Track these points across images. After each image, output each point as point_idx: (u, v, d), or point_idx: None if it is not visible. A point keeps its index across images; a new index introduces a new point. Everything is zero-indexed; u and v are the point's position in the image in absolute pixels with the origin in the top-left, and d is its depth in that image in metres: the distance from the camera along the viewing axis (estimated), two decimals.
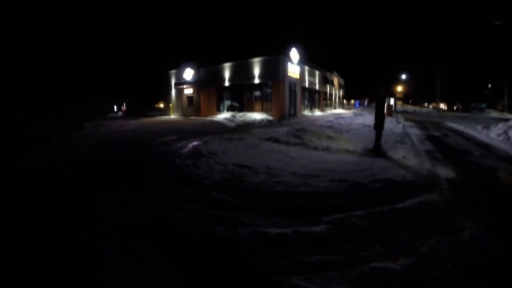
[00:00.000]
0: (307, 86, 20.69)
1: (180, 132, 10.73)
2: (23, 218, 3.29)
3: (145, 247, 2.59)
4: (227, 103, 19.84)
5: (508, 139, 8.01)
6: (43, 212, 3.45)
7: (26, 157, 6.91)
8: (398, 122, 12.31)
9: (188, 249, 2.56)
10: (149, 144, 8.09)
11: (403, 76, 35.54)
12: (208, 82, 20.17)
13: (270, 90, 17.24)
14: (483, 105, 29.92)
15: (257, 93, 18.08)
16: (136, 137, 9.76)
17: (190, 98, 21.88)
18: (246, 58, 17.78)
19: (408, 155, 5.35)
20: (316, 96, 23.47)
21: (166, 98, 24.24)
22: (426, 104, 37.27)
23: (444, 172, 4.82)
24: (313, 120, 13.34)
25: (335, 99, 29.17)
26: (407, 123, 13.46)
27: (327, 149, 5.73)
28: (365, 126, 10.03)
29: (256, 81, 17.51)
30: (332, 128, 8.72)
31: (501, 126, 8.86)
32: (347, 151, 5.60)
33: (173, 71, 22.83)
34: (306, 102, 21.32)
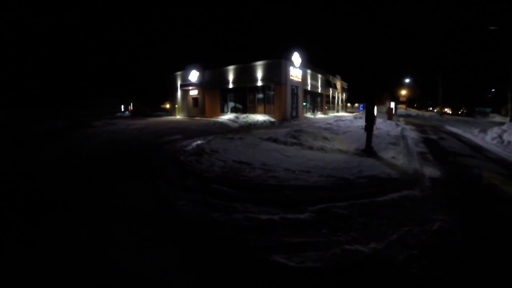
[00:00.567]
0: (309, 89, 21.04)
1: (185, 131, 11.17)
2: (41, 203, 3.71)
3: (150, 229, 2.97)
4: (231, 104, 20.28)
5: (501, 142, 8.24)
6: (59, 199, 3.86)
7: (40, 152, 7.38)
8: (397, 125, 12.56)
9: (187, 230, 2.93)
10: (156, 142, 8.52)
11: (407, 80, 35.62)
12: (212, 84, 20.67)
13: (272, 92, 17.64)
14: (488, 110, 29.86)
15: (260, 95, 18.49)
16: (143, 135, 10.21)
17: (195, 99, 22.41)
18: (249, 61, 18.24)
19: (398, 155, 5.67)
20: (319, 99, 23.80)
21: (172, 99, 24.82)
22: (431, 108, 37.29)
23: (430, 171, 5.12)
24: (313, 122, 13.67)
25: (338, 102, 29.44)
26: (407, 127, 13.69)
27: (322, 149, 6.08)
28: (362, 128, 10.31)
29: (259, 83, 17.94)
30: (330, 130, 9.05)
31: (496, 130, 9.09)
32: (340, 151, 5.94)
33: (179, 73, 23.40)
34: (308, 105, 21.66)
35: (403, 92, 36.49)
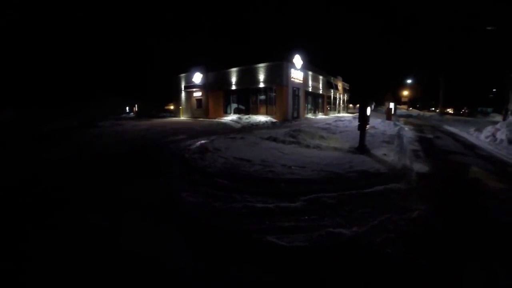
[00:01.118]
0: (310, 90, 21.40)
1: (189, 132, 11.58)
2: (57, 196, 4.12)
3: (158, 216, 3.35)
4: (234, 106, 20.71)
5: (494, 140, 8.52)
6: (73, 192, 4.26)
7: (51, 151, 7.83)
8: (395, 125, 12.85)
9: (192, 217, 3.31)
10: (161, 141, 8.94)
11: (409, 81, 35.80)
12: (216, 86, 21.13)
13: (274, 94, 18.04)
14: (489, 110, 29.92)
15: (262, 96, 18.89)
16: (149, 135, 10.65)
17: (199, 100, 22.89)
18: (251, 63, 18.68)
19: (389, 153, 6.00)
20: (320, 100, 24.13)
21: (176, 100, 25.32)
22: (433, 109, 37.41)
23: (419, 167, 5.45)
24: (313, 123, 14.01)
25: (339, 103, 29.72)
26: (405, 126, 13.98)
27: (318, 147, 6.44)
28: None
29: (261, 85, 18.36)
30: (328, 129, 9.40)
31: (489, 129, 9.36)
32: (335, 149, 6.29)
33: (183, 75, 23.90)
34: (309, 106, 22.00)
35: (405, 92, 36.69)
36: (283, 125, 14.13)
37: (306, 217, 3.19)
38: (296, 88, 18.94)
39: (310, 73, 21.09)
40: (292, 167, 4.90)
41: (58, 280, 2.15)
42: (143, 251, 2.56)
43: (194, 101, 23.28)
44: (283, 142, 7.29)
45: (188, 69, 23.03)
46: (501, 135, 8.31)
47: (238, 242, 2.74)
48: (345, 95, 32.32)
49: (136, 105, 34.61)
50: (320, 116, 22.44)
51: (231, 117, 18.97)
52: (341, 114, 26.31)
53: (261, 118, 17.17)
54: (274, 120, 16.93)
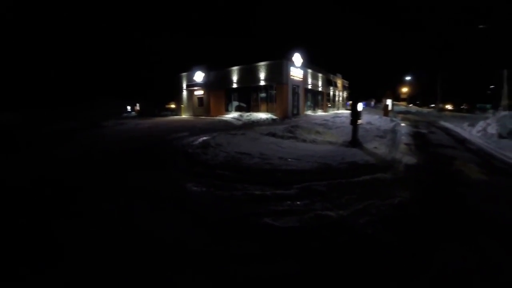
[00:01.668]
0: (310, 87, 21.73)
1: (192, 129, 11.95)
2: (76, 189, 4.52)
3: (166, 203, 3.71)
4: (235, 103, 21.07)
5: (485, 134, 8.86)
6: (87, 185, 4.64)
7: (62, 150, 8.17)
8: (392, 121, 13.19)
9: (196, 203, 3.71)
10: (165, 138, 9.34)
11: (408, 78, 36.01)
12: (217, 84, 21.50)
13: (274, 92, 18.40)
14: (488, 106, 30.08)
15: (263, 94, 19.26)
16: (152, 133, 11.05)
17: (200, 99, 23.25)
18: (252, 62, 19.05)
19: (381, 146, 6.38)
20: (319, 97, 24.46)
21: (177, 99, 25.69)
22: (433, 105, 37.64)
23: (408, 159, 5.82)
24: (312, 119, 14.37)
25: (338, 100, 30.01)
26: (402, 122, 14.30)
27: (313, 141, 6.82)
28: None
29: (262, 83, 18.73)
30: (324, 125, 9.77)
31: (481, 124, 9.70)
32: (330, 143, 6.67)
33: (184, 74, 24.25)
34: (309, 103, 22.34)
35: (404, 89, 36.92)
36: (283, 122, 14.49)
37: (299, 202, 3.58)
38: (295, 86, 19.28)
39: (309, 71, 21.42)
40: (289, 159, 5.29)
41: (90, 254, 2.55)
42: (156, 230, 2.95)
43: (195, 100, 23.65)
44: (282, 137, 7.68)
45: (190, 68, 23.37)
46: (492, 129, 8.65)
47: (237, 222, 3.13)
48: (345, 92, 32.59)
49: (137, 104, 34.93)
50: (320, 113, 22.78)
51: (232, 115, 19.34)
52: (340, 111, 26.61)
53: (262, 116, 17.53)
54: (274, 117, 17.29)
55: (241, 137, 8.09)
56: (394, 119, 14.81)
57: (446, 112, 28.64)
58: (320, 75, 23.85)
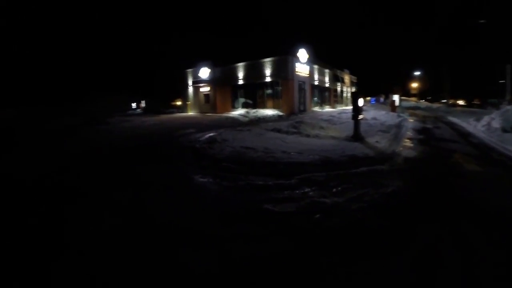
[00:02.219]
0: (316, 83, 21.79)
1: (198, 126, 12.25)
2: (90, 180, 4.90)
3: (175, 193, 4.03)
4: (241, 100, 21.33)
5: (489, 129, 8.88)
6: (98, 178, 4.96)
7: (70, 146, 8.42)
8: (399, 117, 13.23)
9: (203, 193, 4.01)
10: (172, 135, 9.67)
11: (418, 73, 35.48)
12: (223, 81, 21.76)
13: (280, 88, 18.58)
14: (495, 101, 29.34)
15: (269, 91, 19.46)
16: (159, 130, 11.37)
17: (206, 95, 23.54)
18: (257, 58, 19.24)
19: (382, 140, 6.56)
20: (326, 93, 24.49)
21: (183, 96, 25.88)
22: (444, 101, 36.96)
23: (408, 152, 5.99)
24: (319, 115, 14.53)
25: (346, 96, 29.91)
26: (409, 117, 14.31)
27: (317, 136, 7.05)
28: (362, 119, 11.14)
29: (267, 79, 18.92)
30: (329, 121, 9.96)
31: (486, 118, 9.69)
32: (332, 137, 6.89)
33: (189, 70, 24.41)
34: (316, 99, 22.42)
35: (414, 85, 36.39)
36: (289, 118, 14.66)
37: (297, 191, 3.85)
38: (302, 82, 19.40)
39: (316, 66, 21.46)
40: (291, 153, 5.55)
41: (110, 235, 2.89)
42: (166, 216, 3.26)
43: (201, 96, 23.93)
44: (286, 132, 7.93)
45: (195, 65, 23.48)
46: (495, 123, 8.67)
47: (241, 208, 3.43)
48: (353, 88, 32.41)
49: (143, 101, 34.98)
50: (327, 109, 22.83)
51: (238, 112, 19.61)
52: (348, 107, 26.54)
53: (268, 112, 17.75)
54: (281, 113, 17.48)
55: (247, 133, 8.38)
56: (401, 114, 14.81)
57: (457, 108, 28.16)
58: (327, 71, 23.84)
